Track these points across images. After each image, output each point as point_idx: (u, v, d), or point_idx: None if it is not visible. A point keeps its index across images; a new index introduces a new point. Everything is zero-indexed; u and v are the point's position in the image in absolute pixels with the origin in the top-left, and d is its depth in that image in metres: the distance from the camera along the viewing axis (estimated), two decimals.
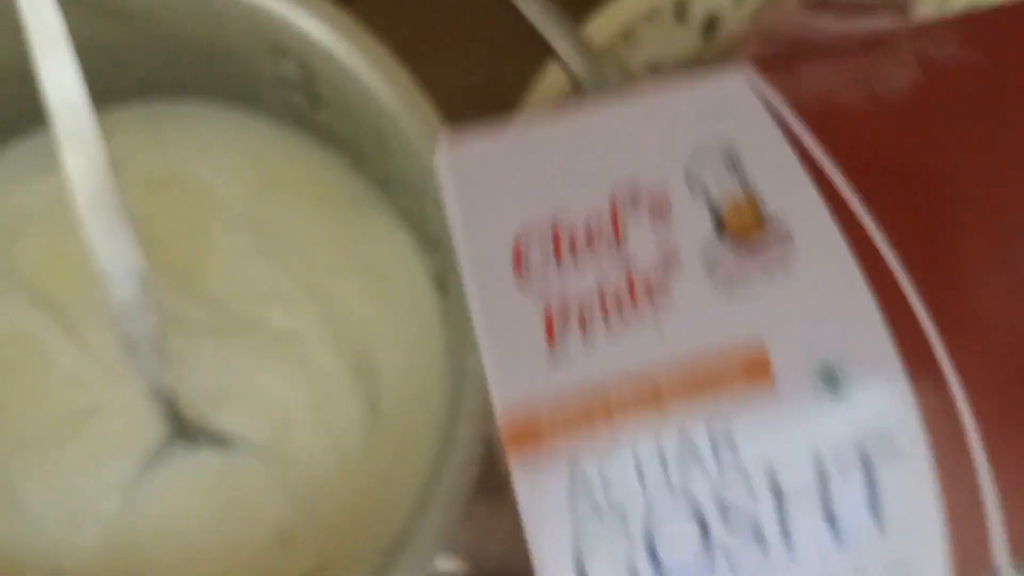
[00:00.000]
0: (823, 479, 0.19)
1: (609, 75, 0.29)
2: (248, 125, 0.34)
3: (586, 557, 0.20)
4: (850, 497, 0.19)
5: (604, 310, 0.19)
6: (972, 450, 0.19)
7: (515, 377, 0.20)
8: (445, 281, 0.31)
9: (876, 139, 0.18)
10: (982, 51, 0.18)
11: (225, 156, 0.34)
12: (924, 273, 0.18)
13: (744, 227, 0.19)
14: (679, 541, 0.20)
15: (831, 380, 0.19)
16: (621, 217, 0.19)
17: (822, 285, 0.19)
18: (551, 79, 0.29)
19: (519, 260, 0.19)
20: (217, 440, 0.32)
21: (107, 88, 0.29)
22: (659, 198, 0.19)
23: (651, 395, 0.20)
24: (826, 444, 0.19)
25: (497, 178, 0.19)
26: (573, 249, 0.19)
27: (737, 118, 0.19)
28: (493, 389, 0.20)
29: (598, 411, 0.20)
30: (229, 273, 0.33)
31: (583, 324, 0.19)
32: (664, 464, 0.20)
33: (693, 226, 0.19)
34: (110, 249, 0.27)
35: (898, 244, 0.18)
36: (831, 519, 0.20)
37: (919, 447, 0.19)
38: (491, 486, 0.36)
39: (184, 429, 0.31)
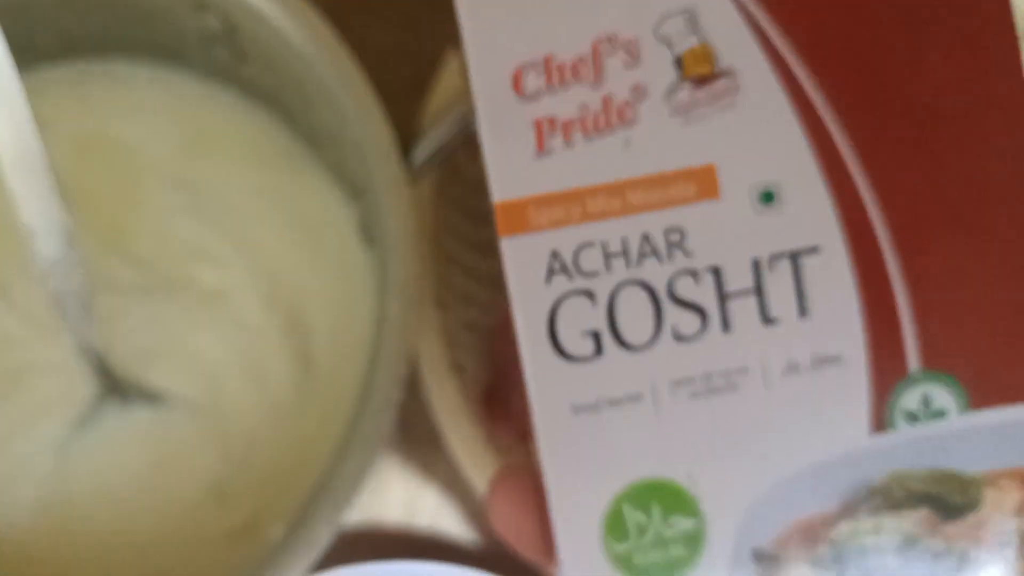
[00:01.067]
0: (758, 277, 0.24)
1: None
2: (175, 83, 0.34)
3: (559, 321, 0.23)
4: (780, 292, 0.24)
5: (584, 126, 0.24)
6: (888, 266, 0.24)
7: (510, 173, 0.24)
8: (370, 230, 0.32)
9: (810, 3, 0.24)
10: None
11: (152, 114, 0.33)
12: (851, 118, 0.24)
13: (700, 71, 0.25)
14: (634, 315, 0.24)
15: (767, 197, 0.24)
16: (601, 59, 0.24)
17: (763, 121, 0.24)
18: None
19: (518, 83, 0.24)
20: (149, 398, 0.32)
21: (29, 47, 0.29)
22: (632, 46, 0.24)
23: (619, 201, 0.24)
24: (762, 248, 0.24)
25: (504, 16, 0.24)
26: (562, 79, 0.24)
27: None
28: (491, 184, 0.24)
29: (575, 209, 0.24)
30: (158, 232, 0.33)
31: (567, 134, 0.24)
32: (627, 256, 0.24)
33: (659, 68, 0.24)
34: (35, 205, 0.26)
35: (827, 89, 0.24)
36: (764, 312, 0.24)
37: (840, 254, 0.24)
38: (424, 438, 0.37)
39: (116, 387, 0.31)
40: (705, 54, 0.24)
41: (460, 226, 0.36)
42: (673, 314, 0.24)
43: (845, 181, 0.24)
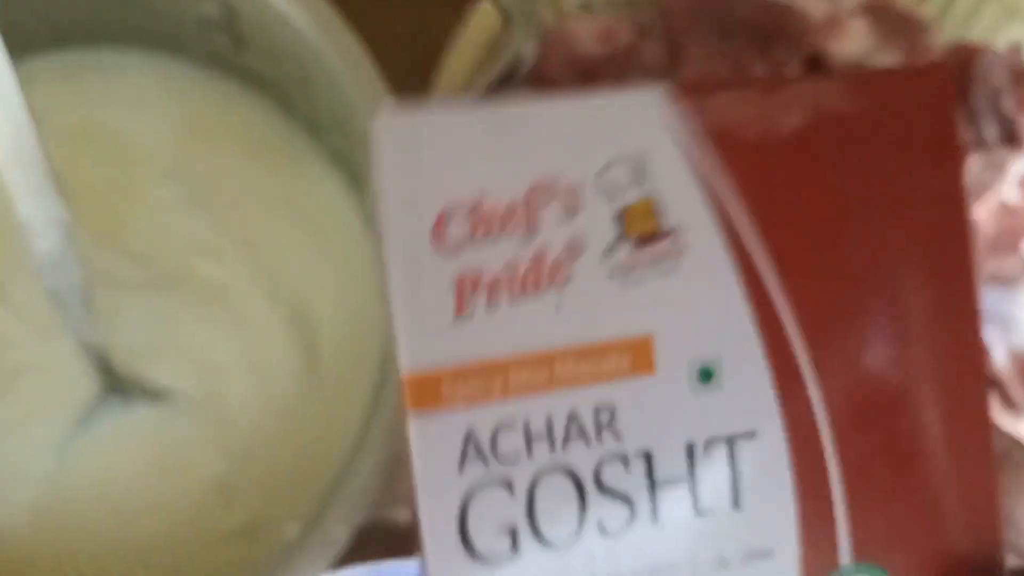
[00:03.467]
0: (692, 464, 0.21)
1: (541, 12, 0.30)
2: (171, 72, 0.32)
3: (470, 518, 0.20)
4: (714, 481, 0.22)
5: (511, 286, 0.21)
6: (825, 452, 0.22)
7: (422, 339, 0.20)
8: (375, 219, 0.31)
9: (766, 164, 0.22)
10: (859, 102, 0.23)
11: (149, 105, 0.32)
12: (797, 291, 0.22)
13: (642, 230, 0.22)
14: (558, 507, 0.21)
15: (706, 375, 0.21)
16: (537, 207, 0.21)
17: (705, 291, 0.21)
18: (482, 17, 0.30)
19: (440, 231, 0.20)
20: (151, 395, 0.30)
21: (22, 38, 0.28)
22: (572, 195, 0.21)
23: (546, 373, 0.21)
24: (698, 431, 0.21)
25: (429, 152, 0.20)
26: (489, 229, 0.21)
27: (647, 134, 0.22)
28: (400, 349, 0.20)
29: (496, 383, 0.21)
30: (157, 225, 0.31)
31: (491, 295, 0.20)
32: (551, 438, 0.21)
33: (599, 224, 0.21)
34: (31, 199, 0.26)
35: (776, 261, 0.22)
36: (696, 503, 0.22)
37: (777, 440, 0.22)
38: None
39: (117, 385, 0.30)
40: (649, 210, 0.21)
41: None
42: (599, 505, 0.21)
43: (786, 357, 0.22)
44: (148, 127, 0.32)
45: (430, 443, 0.20)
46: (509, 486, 0.21)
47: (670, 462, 0.21)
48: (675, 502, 0.21)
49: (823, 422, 0.22)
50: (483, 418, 0.20)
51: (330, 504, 0.26)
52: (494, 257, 0.20)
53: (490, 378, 0.20)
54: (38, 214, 0.26)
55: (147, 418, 0.30)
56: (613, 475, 0.21)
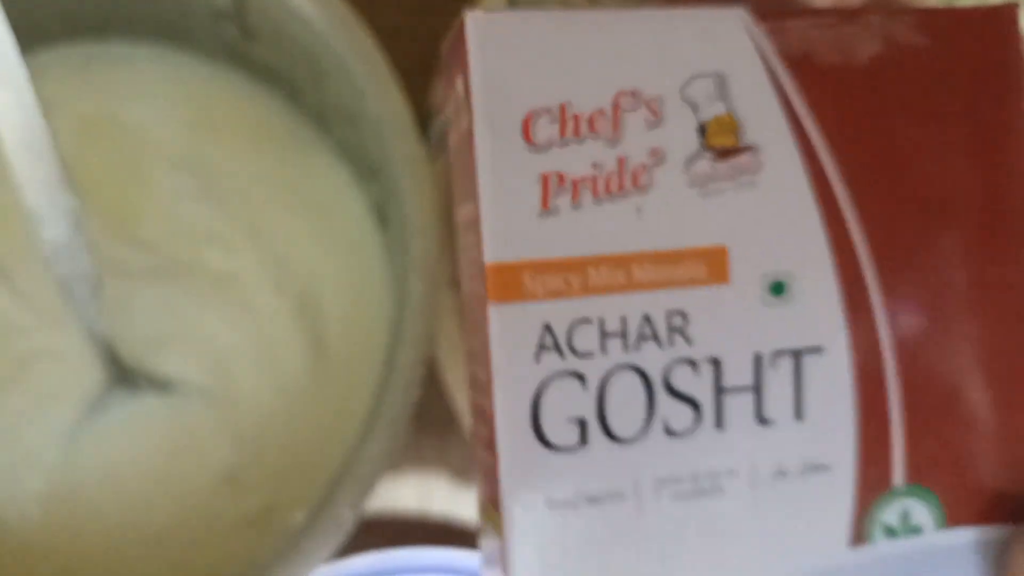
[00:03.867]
0: (759, 375, 0.22)
1: (548, 3, 0.30)
2: (180, 63, 0.33)
3: (543, 407, 0.21)
4: (779, 392, 0.22)
5: (595, 188, 0.21)
6: (886, 374, 0.23)
7: (508, 231, 0.21)
8: (384, 210, 0.31)
9: (842, 91, 0.23)
10: (928, 37, 0.23)
11: (158, 96, 0.32)
12: (868, 215, 0.22)
13: (724, 142, 0.22)
14: (627, 404, 0.21)
15: (777, 288, 0.22)
16: (621, 115, 0.22)
17: (781, 207, 0.22)
18: (490, 7, 0.31)
19: (529, 129, 0.21)
20: (159, 385, 0.31)
21: (31, 29, 0.28)
22: (656, 105, 0.22)
23: (623, 275, 0.21)
24: (766, 342, 0.22)
25: (519, 54, 0.21)
26: (577, 131, 0.21)
27: (730, 52, 0.22)
28: (485, 241, 0.21)
29: (575, 280, 0.21)
30: (166, 215, 0.31)
31: (575, 195, 0.21)
32: (625, 337, 0.21)
33: (681, 135, 0.22)
34: (40, 189, 0.26)
35: (850, 184, 0.22)
36: (760, 413, 0.22)
37: (842, 357, 0.22)
38: (439, 421, 0.36)
39: (125, 375, 0.30)
40: (731, 124, 0.22)
41: None
42: (666, 406, 0.22)
43: (855, 278, 0.22)
44: (158, 118, 0.32)
45: (509, 332, 0.21)
46: (582, 380, 0.21)
47: (737, 370, 0.22)
48: (739, 410, 0.22)
49: (886, 344, 0.23)
50: (561, 312, 0.21)
51: (337, 490, 0.26)
52: (580, 159, 0.21)
53: (570, 274, 0.21)
54: (47, 203, 0.27)
55: (156, 407, 0.31)
56: (682, 378, 0.22)
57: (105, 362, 0.30)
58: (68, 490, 0.30)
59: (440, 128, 0.30)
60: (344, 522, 0.26)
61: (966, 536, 0.23)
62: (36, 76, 0.25)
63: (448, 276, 0.32)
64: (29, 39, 0.26)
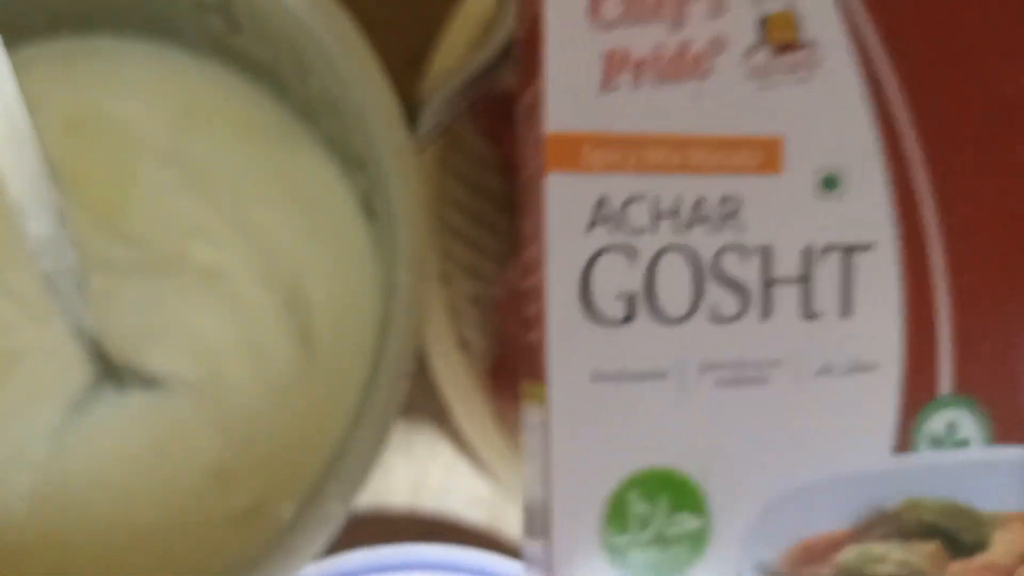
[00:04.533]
0: (808, 267, 0.22)
1: None
2: (165, 57, 0.32)
3: (593, 277, 0.21)
4: (827, 287, 0.22)
5: (656, 69, 0.21)
6: (936, 279, 0.23)
7: (569, 103, 0.21)
8: (372, 202, 0.31)
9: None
10: None
11: (143, 90, 0.32)
12: (922, 117, 0.23)
13: (782, 37, 0.23)
14: (675, 284, 0.21)
15: (829, 183, 0.22)
16: (686, 0, 0.22)
17: (835, 103, 0.22)
18: None
19: (596, 7, 0.21)
20: (146, 381, 0.30)
21: (14, 24, 0.28)
22: None
23: (679, 156, 0.22)
24: (816, 236, 0.22)
25: None
26: (642, 13, 0.22)
27: None
28: (547, 111, 0.21)
29: (632, 156, 0.21)
30: (153, 209, 0.31)
31: (637, 75, 0.21)
32: (677, 217, 0.22)
33: (742, 24, 0.22)
34: (24, 184, 0.26)
35: (904, 87, 0.23)
36: (807, 306, 0.22)
37: (891, 256, 0.22)
38: (429, 415, 0.35)
39: (111, 371, 0.30)
40: (790, 20, 0.22)
41: (462, 197, 0.34)
42: (714, 291, 0.22)
43: (906, 181, 0.22)
44: (143, 112, 0.32)
45: (564, 201, 0.21)
46: (633, 255, 0.21)
47: (787, 261, 0.22)
48: (787, 301, 0.22)
49: (936, 247, 0.23)
50: (616, 186, 0.21)
51: (326, 484, 0.25)
52: (643, 39, 0.21)
53: (627, 150, 0.21)
54: (31, 198, 0.26)
55: (144, 403, 0.30)
56: (731, 264, 0.22)
57: (92, 358, 0.30)
58: (55, 487, 0.30)
59: (431, 114, 0.30)
60: (333, 517, 0.25)
61: (1013, 455, 0.23)
62: (20, 71, 0.25)
63: (436, 270, 0.32)
64: (12, 34, 0.26)
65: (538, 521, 0.21)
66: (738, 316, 0.22)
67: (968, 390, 0.23)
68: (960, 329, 0.23)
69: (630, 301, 0.21)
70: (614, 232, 0.21)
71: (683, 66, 0.22)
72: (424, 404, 0.34)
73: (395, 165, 0.27)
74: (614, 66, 0.21)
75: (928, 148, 0.23)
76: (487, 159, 0.33)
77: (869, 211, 0.22)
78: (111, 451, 0.30)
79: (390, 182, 0.27)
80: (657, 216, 0.22)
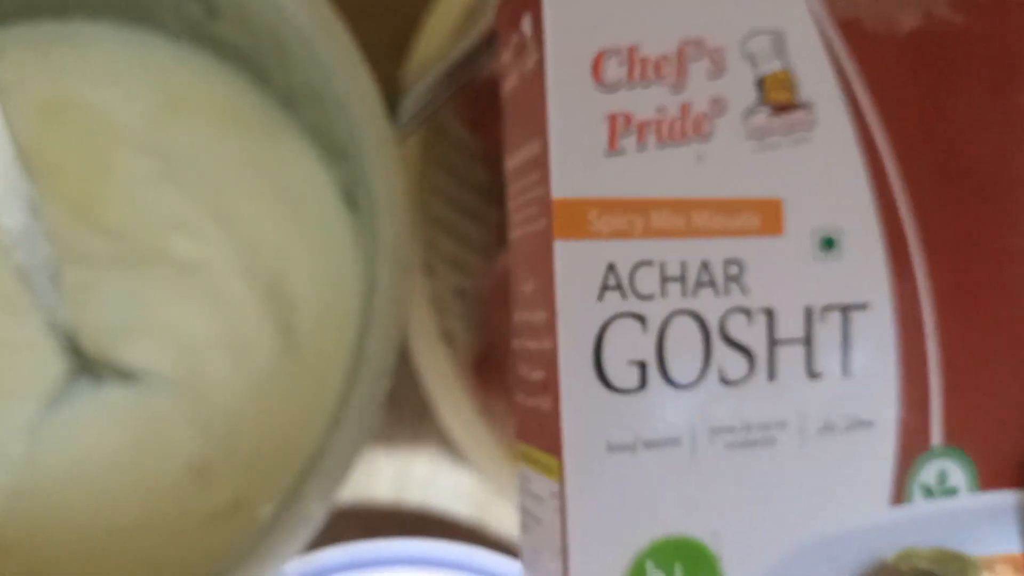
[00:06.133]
0: (809, 328, 0.22)
1: None
2: (143, 44, 0.31)
3: (606, 345, 0.20)
4: (828, 347, 0.22)
5: (659, 131, 0.21)
6: (927, 334, 0.23)
7: (575, 167, 0.21)
8: (353, 193, 0.30)
9: (889, 58, 0.23)
10: (964, 15, 0.24)
11: (121, 78, 0.31)
12: (912, 176, 0.23)
13: (780, 97, 0.23)
14: (685, 349, 0.21)
15: (828, 243, 0.22)
16: (686, 61, 0.22)
17: (832, 164, 0.23)
18: None
19: (598, 69, 0.21)
20: (124, 376, 0.29)
21: None
22: (718, 56, 0.22)
23: (684, 219, 0.22)
24: (816, 296, 0.22)
25: None
26: (644, 74, 0.22)
27: (787, 11, 0.23)
28: (553, 176, 0.21)
29: (639, 221, 0.21)
30: (131, 201, 0.30)
31: (641, 137, 0.21)
32: (684, 282, 0.21)
33: (740, 85, 0.22)
34: None
35: (895, 146, 0.23)
36: (810, 366, 0.22)
37: (887, 315, 0.23)
38: (413, 410, 0.35)
39: (89, 365, 0.29)
40: (787, 81, 0.22)
41: (447, 188, 0.33)
42: (722, 353, 0.22)
43: (899, 237, 0.23)
44: (120, 100, 0.31)
45: (574, 269, 0.21)
46: (643, 322, 0.21)
47: (789, 322, 0.22)
48: (791, 361, 0.22)
49: (927, 304, 0.23)
50: (625, 252, 0.21)
51: (306, 482, 0.25)
52: (646, 101, 0.21)
53: (634, 215, 0.21)
54: (4, 190, 0.25)
55: (122, 398, 0.30)
56: (737, 327, 0.22)
57: (68, 353, 0.29)
58: (32, 484, 0.29)
59: (413, 103, 0.30)
60: (314, 515, 0.25)
61: (1000, 499, 0.24)
62: None
63: (420, 262, 0.31)
64: None
65: None
66: (746, 379, 0.22)
67: (956, 440, 0.23)
68: (949, 382, 0.23)
69: (642, 368, 0.21)
70: (624, 299, 0.21)
71: (685, 127, 0.22)
72: (408, 397, 0.33)
73: (377, 155, 0.26)
74: (619, 128, 0.21)
75: (918, 208, 0.23)
76: (471, 148, 0.32)
77: (866, 271, 0.23)
78: (89, 447, 0.29)
79: (372, 172, 0.26)
80: (665, 281, 0.21)
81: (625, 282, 0.21)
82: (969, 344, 0.23)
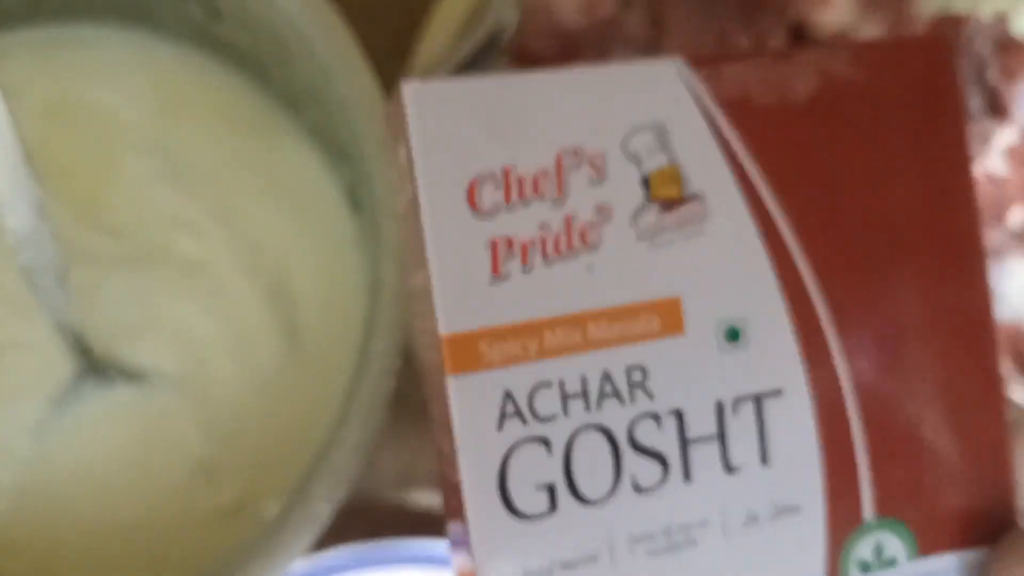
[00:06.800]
0: (722, 423, 0.22)
1: None
2: (146, 46, 0.32)
3: (510, 476, 0.20)
4: (743, 438, 0.22)
5: (544, 249, 0.21)
6: (848, 410, 0.23)
7: (460, 301, 0.20)
8: (357, 193, 0.30)
9: (782, 131, 0.23)
10: (864, 70, 0.23)
11: (125, 79, 0.32)
12: (816, 253, 0.23)
13: (668, 193, 0.22)
14: (594, 465, 0.21)
15: (733, 334, 0.22)
16: (564, 174, 0.22)
17: (730, 253, 0.22)
18: None
19: (473, 197, 0.21)
20: (130, 375, 0.30)
21: None
22: (598, 162, 0.22)
23: (579, 334, 0.21)
24: (726, 390, 0.22)
25: (458, 120, 0.21)
26: (521, 194, 0.21)
27: (668, 102, 0.23)
28: (439, 312, 0.21)
29: (532, 344, 0.21)
30: (136, 201, 0.31)
31: (525, 258, 0.21)
32: (586, 397, 0.21)
33: (626, 189, 0.22)
34: (1, 175, 0.25)
35: (796, 224, 0.23)
36: (727, 461, 0.22)
37: (803, 398, 0.22)
38: (418, 408, 0.34)
39: (95, 365, 0.30)
40: (674, 175, 0.22)
41: None
42: (633, 462, 0.21)
43: (809, 317, 0.23)
44: (124, 101, 0.32)
45: (470, 403, 0.21)
46: (547, 444, 0.21)
47: (700, 420, 0.22)
48: (706, 460, 0.22)
49: (845, 381, 0.23)
50: (520, 378, 0.21)
51: (312, 481, 0.25)
52: (527, 221, 0.21)
53: (526, 339, 0.21)
54: (9, 190, 0.26)
55: (128, 397, 0.30)
56: (646, 433, 0.22)
57: (74, 353, 0.30)
58: (39, 484, 0.29)
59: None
60: (320, 515, 0.25)
61: (941, 563, 0.23)
62: None
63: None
64: None
65: None
66: (660, 483, 0.22)
67: (890, 511, 0.23)
68: (877, 453, 0.23)
69: (551, 491, 0.21)
70: (525, 424, 0.21)
71: (571, 240, 0.21)
72: (413, 395, 0.33)
73: (379, 156, 0.27)
74: (501, 253, 0.21)
75: (825, 282, 0.23)
76: None
77: (776, 355, 0.22)
78: (95, 446, 0.30)
79: (375, 173, 0.27)
80: (566, 400, 0.21)
81: (524, 407, 0.21)
82: (893, 414, 0.23)
